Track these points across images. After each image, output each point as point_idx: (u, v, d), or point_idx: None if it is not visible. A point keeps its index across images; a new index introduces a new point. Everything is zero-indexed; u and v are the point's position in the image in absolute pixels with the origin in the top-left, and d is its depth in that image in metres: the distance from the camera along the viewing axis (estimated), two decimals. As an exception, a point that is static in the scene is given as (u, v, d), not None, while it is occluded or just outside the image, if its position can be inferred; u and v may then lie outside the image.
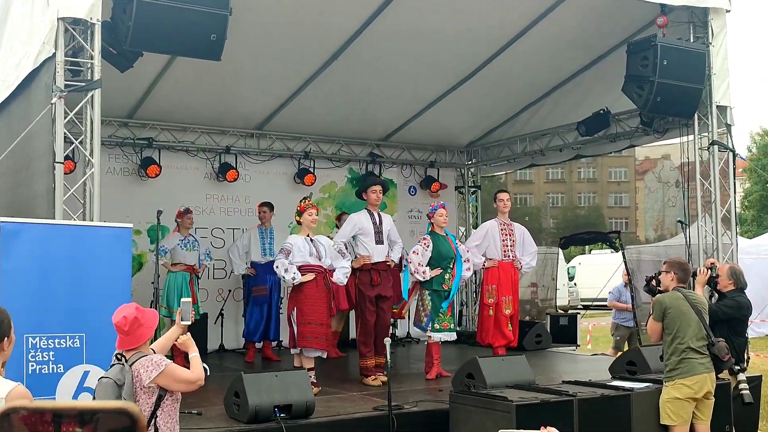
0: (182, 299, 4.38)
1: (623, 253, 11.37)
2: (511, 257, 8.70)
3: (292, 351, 7.32)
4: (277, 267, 7.25)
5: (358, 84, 10.12)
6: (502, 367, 6.44)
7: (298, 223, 7.55)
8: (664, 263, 5.92)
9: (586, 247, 31.92)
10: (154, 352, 4.03)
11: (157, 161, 10.36)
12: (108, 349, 4.14)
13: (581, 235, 13.85)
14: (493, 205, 8.91)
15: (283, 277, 7.26)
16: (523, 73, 10.17)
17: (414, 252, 8.28)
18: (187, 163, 10.90)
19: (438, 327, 8.07)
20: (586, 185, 53.28)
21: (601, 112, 10.45)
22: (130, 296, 5.36)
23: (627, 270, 11.28)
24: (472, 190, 13.48)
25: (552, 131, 11.68)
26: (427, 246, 8.16)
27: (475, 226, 13.15)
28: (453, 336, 8.17)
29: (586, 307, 21.71)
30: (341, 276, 7.45)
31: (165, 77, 9.19)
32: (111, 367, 3.90)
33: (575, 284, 27.47)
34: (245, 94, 10.08)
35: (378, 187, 7.95)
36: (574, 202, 51.80)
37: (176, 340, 4.25)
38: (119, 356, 3.90)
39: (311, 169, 11.59)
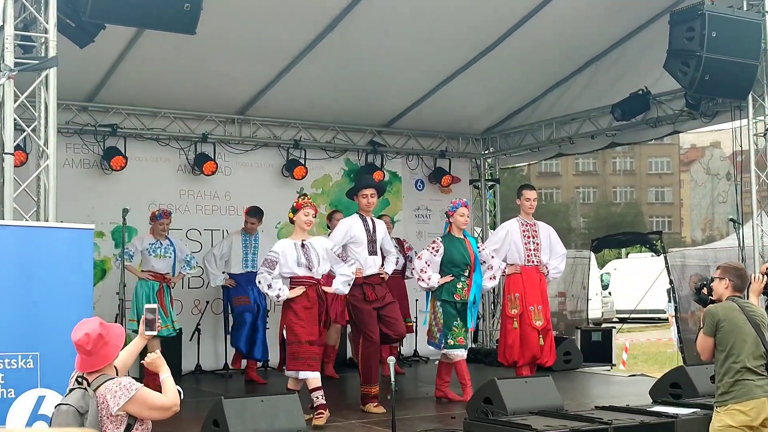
0: (146, 305, 4.37)
1: (665, 258, 11.36)
2: (535, 262, 8.67)
3: (286, 373, 7.34)
4: (259, 282, 7.27)
5: (356, 61, 10.09)
6: (524, 390, 6.44)
7: (291, 221, 7.53)
8: (717, 268, 5.89)
9: (623, 250, 31.94)
10: (116, 371, 4.02)
11: (123, 152, 10.34)
12: (66, 370, 4.12)
13: (617, 236, 13.84)
14: (516, 202, 8.88)
15: (267, 294, 7.31)
16: (550, 47, 10.15)
17: (418, 257, 8.31)
18: (158, 153, 10.88)
19: (452, 342, 8.08)
20: (622, 178, 53.18)
21: (640, 92, 10.42)
22: (92, 309, 5.36)
23: (669, 277, 11.27)
24: (490, 184, 13.45)
25: (583, 115, 11.65)
26: (436, 250, 8.18)
27: (493, 227, 13.10)
28: (461, 354, 8.17)
29: (622, 321, 21.65)
30: (340, 285, 7.47)
31: (131, 54, 9.16)
32: (70, 391, 3.88)
33: (610, 293, 27.42)
34: (225, 73, 10.06)
35: (370, 191, 7.92)
36: (608, 198, 51.71)
37: (145, 360, 4.23)
38: (80, 379, 3.87)
39: (302, 161, 11.58)
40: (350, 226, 7.81)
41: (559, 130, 12.01)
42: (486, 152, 13.32)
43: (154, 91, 10.29)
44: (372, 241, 7.85)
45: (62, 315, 5.20)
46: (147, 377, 6.66)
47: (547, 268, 8.72)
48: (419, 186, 12.90)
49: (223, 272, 10.10)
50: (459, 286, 8.15)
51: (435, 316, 8.20)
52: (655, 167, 53.92)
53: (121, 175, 10.37)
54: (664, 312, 11.67)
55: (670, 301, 11.21)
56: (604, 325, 14.92)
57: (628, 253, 32.02)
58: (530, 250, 8.65)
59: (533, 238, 8.71)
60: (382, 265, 8.00)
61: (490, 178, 13.43)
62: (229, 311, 10.31)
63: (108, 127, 10.36)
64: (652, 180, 53.79)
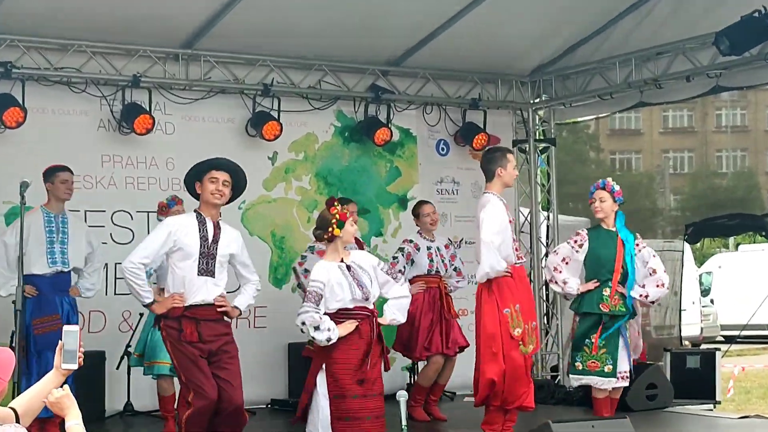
0: (65, 327, 4.46)
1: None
2: (522, 258, 8.85)
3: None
4: (303, 323, 7.53)
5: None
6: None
7: (328, 240, 7.75)
8: None
9: (730, 239, 31.88)
10: (16, 415, 4.08)
11: (20, 101, 10.31)
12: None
13: (721, 220, 13.82)
14: (498, 170, 8.57)
15: (313, 338, 7.59)
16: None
17: (554, 252, 8.75)
18: (70, 104, 10.90)
19: (580, 367, 8.52)
20: (729, 138, 53.15)
21: (756, 14, 10.34)
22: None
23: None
24: (542, 146, 13.47)
25: (673, 47, 11.63)
26: (580, 245, 8.59)
27: (546, 205, 13.08)
28: (603, 382, 8.59)
29: (729, 340, 21.61)
30: (397, 312, 7.89)
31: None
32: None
33: (712, 302, 27.41)
34: (164, -11, 10.10)
35: (222, 175, 7.78)
36: (709, 166, 51.74)
37: (47, 398, 4.28)
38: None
39: (274, 113, 11.59)
40: (177, 228, 7.77)
41: (640, 69, 11.98)
42: (536, 101, 13.35)
43: (65, 15, 10.25)
44: (209, 255, 7.80)
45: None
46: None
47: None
48: (442, 149, 12.94)
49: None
50: (605, 293, 8.60)
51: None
52: (776, 122, 53.76)
53: (17, 134, 10.33)
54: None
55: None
56: (704, 347, 14.91)
57: (737, 244, 31.96)
58: (514, 240, 8.69)
59: (510, 224, 8.73)
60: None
61: (542, 137, 13.46)
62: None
63: (-1, 66, 10.34)
64: (773, 140, 53.67)
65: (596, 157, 46.78)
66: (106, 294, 10.70)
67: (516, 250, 8.64)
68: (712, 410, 11.21)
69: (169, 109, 11.29)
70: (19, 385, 8.12)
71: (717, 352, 12.23)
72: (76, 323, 9.40)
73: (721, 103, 49.69)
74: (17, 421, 4.18)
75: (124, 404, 10.61)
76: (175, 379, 8.87)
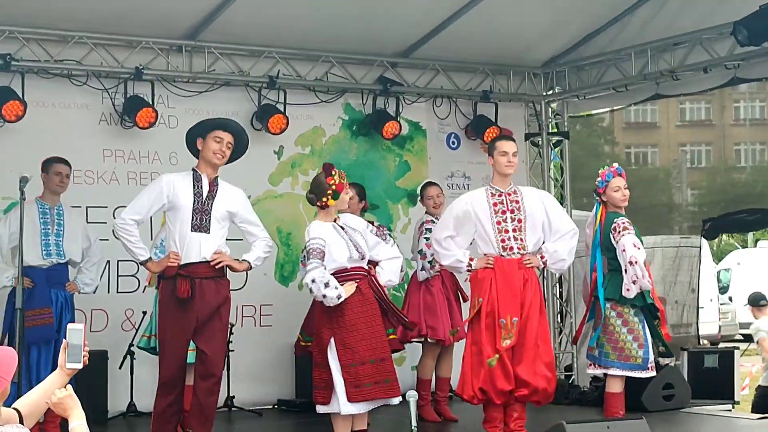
0: (69, 326, 4.45)
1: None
2: (515, 250, 8.53)
3: (323, 409, 7.82)
4: (313, 281, 7.62)
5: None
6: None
7: (322, 207, 7.96)
8: None
9: (749, 235, 31.82)
10: (20, 416, 4.08)
11: (19, 94, 10.32)
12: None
13: (740, 215, 13.81)
14: (488, 161, 8.83)
15: (324, 296, 7.66)
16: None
17: (635, 245, 8.73)
18: (71, 97, 10.92)
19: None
20: (748, 131, 52.96)
21: (776, 4, 10.35)
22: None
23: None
24: (555, 139, 13.48)
25: (690, 38, 11.63)
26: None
27: (559, 200, 13.07)
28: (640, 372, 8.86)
29: (748, 338, 21.59)
30: (391, 274, 8.10)
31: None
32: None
33: (730, 299, 27.39)
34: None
35: (227, 136, 8.13)
36: (727, 161, 51.57)
37: (50, 398, 4.28)
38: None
39: (280, 106, 11.61)
40: (172, 184, 7.99)
41: (656, 60, 11.99)
42: (549, 93, 13.36)
43: (66, 5, 10.28)
44: (203, 211, 7.97)
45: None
46: (48, 423, 6.71)
47: (542, 257, 8.66)
48: (452, 143, 12.95)
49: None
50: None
51: (626, 326, 8.79)
52: (797, 115, 53.64)
53: (16, 128, 10.36)
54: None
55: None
56: (722, 345, 14.89)
57: (756, 240, 31.90)
58: (506, 231, 8.52)
59: (512, 212, 8.59)
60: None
61: (555, 130, 13.45)
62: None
63: (-2, 58, 10.38)
64: (794, 133, 53.53)
65: (611, 151, 46.57)
66: (108, 292, 10.74)
67: (503, 240, 8.57)
68: (730, 410, 11.18)
69: (172, 102, 11.30)
70: (19, 386, 8.16)
71: (735, 351, 12.23)
72: (72, 320, 9.47)
73: (739, 95, 49.45)
74: (21, 422, 4.17)
75: (127, 404, 10.61)
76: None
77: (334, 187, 7.85)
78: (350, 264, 7.84)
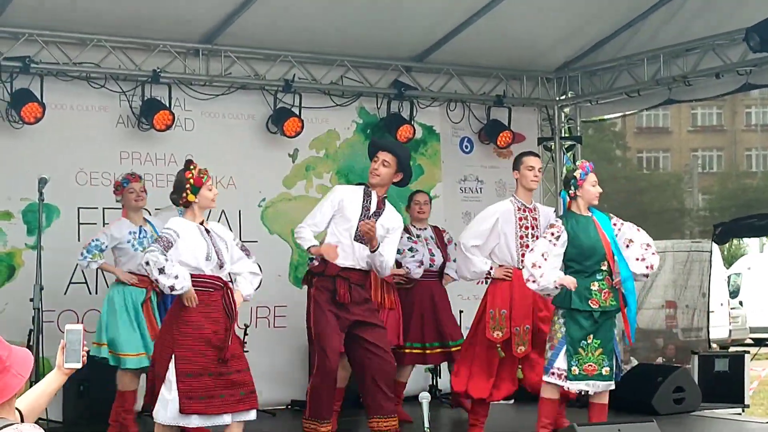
0: (67, 326, 4.39)
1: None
2: None
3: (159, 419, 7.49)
4: (147, 264, 7.39)
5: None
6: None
7: (184, 205, 7.68)
8: None
9: (760, 240, 31.74)
10: (21, 415, 4.03)
11: (38, 97, 10.35)
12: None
13: (751, 220, 13.78)
14: (514, 175, 8.85)
15: (157, 280, 7.39)
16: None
17: (530, 249, 8.25)
18: (89, 99, 10.93)
19: (577, 372, 8.13)
20: (759, 136, 52.78)
21: (788, 10, 10.37)
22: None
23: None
24: (568, 144, 13.49)
25: (702, 44, 11.62)
26: (557, 237, 8.14)
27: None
28: (600, 385, 8.22)
29: (759, 343, 21.61)
30: (250, 289, 7.91)
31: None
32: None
33: (741, 303, 27.36)
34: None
35: (386, 156, 8.45)
36: (739, 166, 51.40)
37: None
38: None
39: (295, 110, 11.61)
40: (345, 195, 8.44)
41: (668, 66, 11.98)
42: (562, 98, 13.38)
43: (84, 9, 10.30)
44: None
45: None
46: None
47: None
48: (466, 147, 12.96)
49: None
50: (594, 288, 8.15)
51: (552, 330, 8.26)
52: (809, 121, 53.49)
53: (35, 129, 10.38)
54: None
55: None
56: (732, 349, 14.86)
57: (762, 245, 31.84)
58: (526, 246, 8.57)
59: (533, 229, 8.70)
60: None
61: (568, 135, 13.47)
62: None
63: (16, 60, 10.38)
64: (805, 139, 53.38)
65: (623, 155, 46.43)
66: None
67: (523, 254, 8.53)
68: (740, 414, 11.17)
69: (188, 105, 11.32)
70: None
71: (746, 355, 12.16)
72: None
73: (750, 100, 49.24)
74: (22, 420, 4.04)
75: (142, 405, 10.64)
76: (142, 376, 8.85)
77: (192, 181, 7.58)
78: (208, 269, 7.53)
